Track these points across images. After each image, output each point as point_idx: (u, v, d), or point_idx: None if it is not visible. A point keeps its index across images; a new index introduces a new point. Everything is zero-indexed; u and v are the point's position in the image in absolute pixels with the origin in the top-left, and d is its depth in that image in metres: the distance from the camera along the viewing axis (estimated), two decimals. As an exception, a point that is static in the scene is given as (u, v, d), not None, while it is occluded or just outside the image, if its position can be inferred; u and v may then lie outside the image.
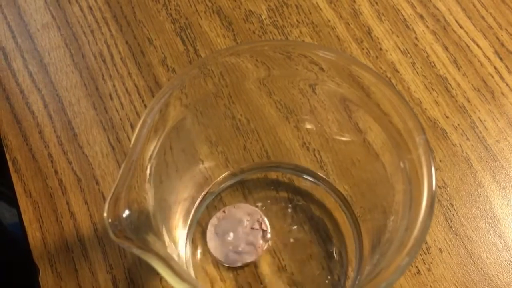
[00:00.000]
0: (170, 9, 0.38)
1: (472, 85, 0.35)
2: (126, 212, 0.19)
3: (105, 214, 0.19)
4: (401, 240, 0.19)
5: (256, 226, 0.30)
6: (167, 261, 0.18)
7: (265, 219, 0.30)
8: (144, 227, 0.20)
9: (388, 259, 0.19)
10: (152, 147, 0.22)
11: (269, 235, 0.29)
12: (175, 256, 0.22)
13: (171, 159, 0.26)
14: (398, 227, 0.20)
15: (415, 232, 0.18)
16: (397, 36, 0.37)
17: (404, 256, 0.17)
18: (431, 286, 0.29)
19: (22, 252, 0.56)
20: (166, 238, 0.21)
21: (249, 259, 0.29)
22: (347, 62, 0.24)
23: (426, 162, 0.19)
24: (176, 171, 0.27)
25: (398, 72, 0.35)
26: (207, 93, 0.27)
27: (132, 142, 0.21)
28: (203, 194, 0.30)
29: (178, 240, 0.27)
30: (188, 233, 0.29)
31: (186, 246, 0.28)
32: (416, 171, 0.20)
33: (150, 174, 0.22)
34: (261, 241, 0.29)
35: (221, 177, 0.31)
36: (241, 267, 0.29)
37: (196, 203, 0.30)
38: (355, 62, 0.24)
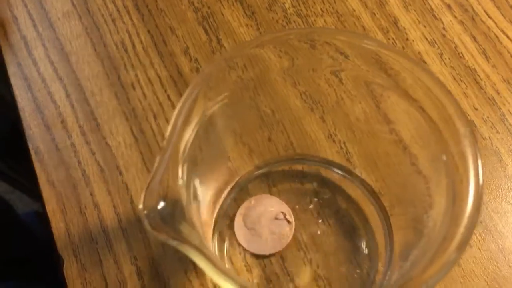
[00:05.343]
0: (192, -3, 0.37)
1: (501, 76, 0.34)
2: (161, 204, 0.19)
3: (140, 206, 0.19)
4: (444, 236, 0.18)
5: (281, 216, 0.29)
6: (204, 252, 0.18)
7: (290, 210, 0.29)
8: (179, 218, 0.19)
9: (431, 255, 0.18)
10: (185, 141, 0.22)
11: (293, 226, 0.29)
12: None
13: (199, 153, 0.25)
14: (439, 222, 0.20)
15: (461, 227, 0.17)
16: (424, 26, 0.36)
17: (451, 252, 0.17)
18: (461, 282, 0.28)
19: (37, 242, 0.56)
20: (200, 230, 0.21)
21: (274, 249, 0.28)
22: (375, 47, 0.23)
23: (472, 155, 0.18)
24: (204, 165, 0.27)
25: (425, 63, 0.35)
26: (232, 85, 0.26)
27: (168, 134, 0.20)
28: (229, 186, 0.30)
29: (206, 233, 0.26)
30: (215, 225, 0.28)
31: (213, 238, 0.28)
32: (458, 164, 0.19)
33: (182, 168, 0.21)
34: (286, 232, 0.29)
35: (246, 169, 0.31)
36: (268, 258, 0.29)
37: (223, 196, 0.29)
38: (385, 46, 0.23)
